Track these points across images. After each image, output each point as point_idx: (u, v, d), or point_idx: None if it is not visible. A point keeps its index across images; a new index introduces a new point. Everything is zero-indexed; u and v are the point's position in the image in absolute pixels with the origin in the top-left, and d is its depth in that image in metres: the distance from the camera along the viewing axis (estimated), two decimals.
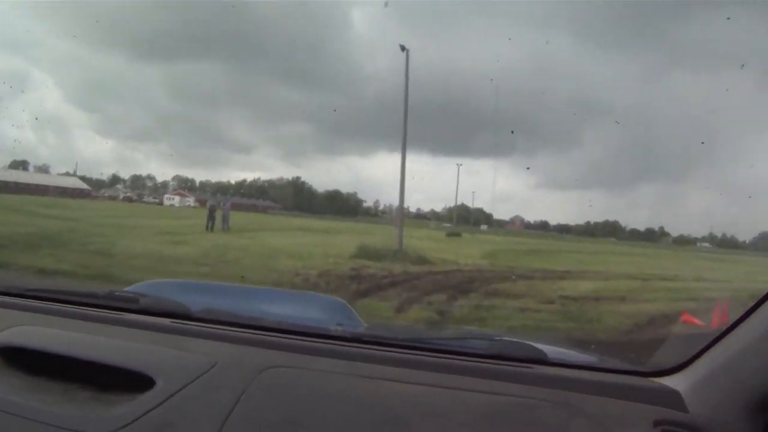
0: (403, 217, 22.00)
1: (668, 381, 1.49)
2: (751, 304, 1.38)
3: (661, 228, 54.61)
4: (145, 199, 59.10)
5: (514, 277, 14.94)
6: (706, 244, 50.15)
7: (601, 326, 9.14)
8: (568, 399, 1.38)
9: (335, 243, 19.93)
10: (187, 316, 1.81)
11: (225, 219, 23.93)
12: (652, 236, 54.23)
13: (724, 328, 1.42)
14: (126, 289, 2.25)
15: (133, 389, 1.34)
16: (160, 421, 1.24)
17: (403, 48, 20.86)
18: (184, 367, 1.45)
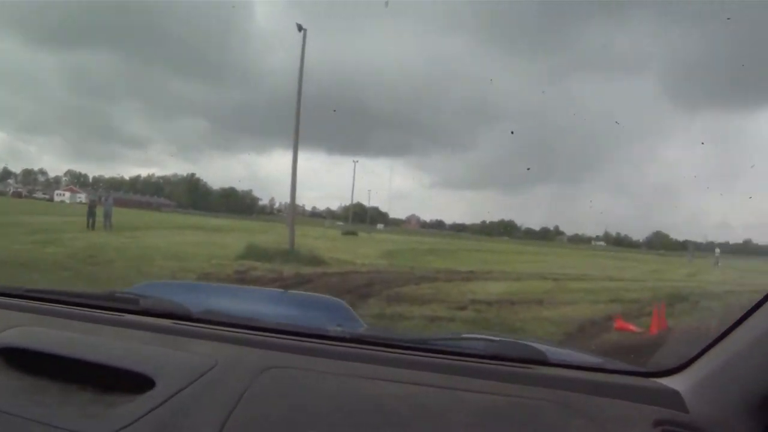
0: (294, 216, 22.27)
1: (669, 381, 1.49)
2: (751, 305, 1.37)
3: (556, 227, 55.39)
4: (36, 195, 59.09)
5: (416, 278, 14.46)
6: (601, 243, 50.33)
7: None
8: (568, 399, 1.37)
9: (224, 242, 19.68)
10: (187, 317, 1.83)
11: (107, 216, 23.24)
12: (548, 235, 57.59)
13: (725, 328, 1.41)
14: (126, 289, 2.29)
15: (133, 390, 1.35)
16: (160, 422, 1.24)
17: (300, 28, 20.72)
18: (184, 367, 1.45)
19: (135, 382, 1.40)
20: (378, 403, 1.36)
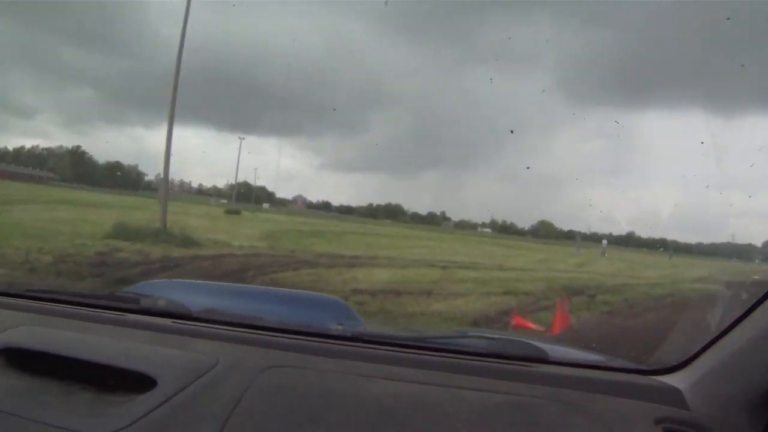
0: (168, 193, 21.09)
1: (670, 379, 1.53)
2: (751, 303, 1.40)
3: (443, 212, 58.00)
4: None
5: (296, 263, 13.69)
6: (488, 230, 55.14)
7: None
8: (569, 397, 1.42)
9: (98, 220, 18.05)
10: (187, 316, 1.89)
11: None
12: (434, 220, 57.17)
13: (725, 326, 1.45)
14: (126, 289, 2.44)
15: (134, 390, 1.39)
16: (161, 421, 1.27)
17: None
18: (185, 367, 1.49)
19: (136, 382, 1.41)
20: (379, 401, 1.38)
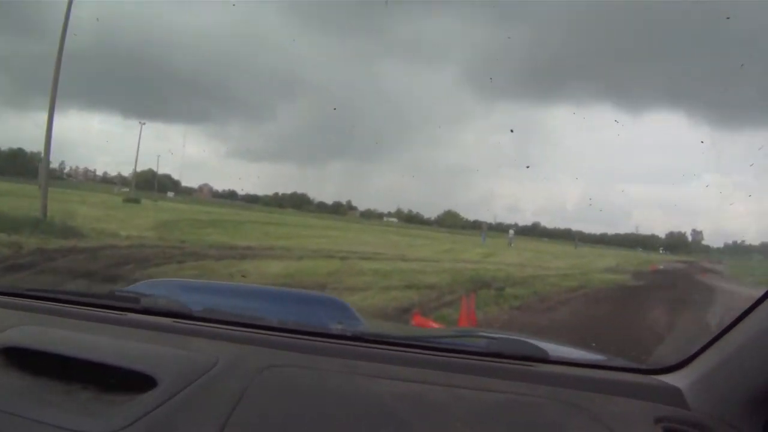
0: (48, 179, 19.16)
1: (669, 378, 1.54)
2: (751, 301, 1.42)
3: (349, 202, 56.40)
4: None
5: (183, 255, 13.00)
6: (394, 219, 54.65)
7: None
8: (569, 397, 1.41)
9: None
10: (188, 316, 1.88)
11: None
12: (340, 209, 55.59)
13: (725, 325, 1.47)
14: (127, 288, 2.37)
15: (134, 389, 1.38)
16: (161, 421, 1.27)
17: None
18: (186, 366, 1.48)
19: (137, 381, 1.40)
20: (379, 401, 1.37)
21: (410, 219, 53.80)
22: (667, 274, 25.69)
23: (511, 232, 38.14)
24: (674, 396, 1.43)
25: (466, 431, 1.28)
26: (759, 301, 1.37)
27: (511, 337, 1.91)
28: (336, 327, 1.83)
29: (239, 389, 1.37)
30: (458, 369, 1.55)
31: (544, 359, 1.64)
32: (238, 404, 1.31)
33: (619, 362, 1.72)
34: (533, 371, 1.55)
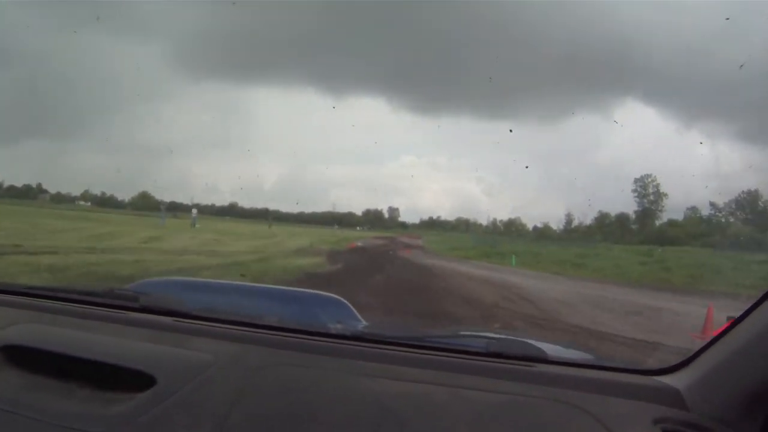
0: None
1: (669, 379, 1.54)
2: (750, 303, 1.43)
3: (39, 185, 54.44)
4: None
5: None
6: (86, 203, 53.08)
7: None
8: (568, 398, 1.41)
9: None
10: (187, 314, 1.88)
11: None
12: (30, 193, 53.66)
13: (723, 328, 1.50)
14: (125, 287, 2.35)
15: (133, 387, 1.40)
16: (160, 419, 1.28)
17: None
18: (184, 365, 1.50)
19: (135, 380, 1.41)
20: (378, 401, 1.38)
21: (103, 202, 52.38)
22: (368, 253, 26.45)
23: (194, 211, 36.95)
24: (673, 397, 1.43)
25: (466, 431, 1.28)
26: (758, 303, 1.37)
27: (511, 337, 1.95)
28: (335, 326, 1.85)
29: (237, 388, 1.38)
30: (458, 369, 1.55)
31: (544, 359, 1.64)
32: (236, 403, 1.31)
33: (618, 363, 1.75)
34: (533, 371, 1.55)
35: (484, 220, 57.85)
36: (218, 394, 1.36)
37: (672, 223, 43.48)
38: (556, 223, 50.14)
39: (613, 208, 46.73)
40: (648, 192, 46.16)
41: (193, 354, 1.56)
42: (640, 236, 42.61)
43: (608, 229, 45.85)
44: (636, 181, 45.46)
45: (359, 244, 33.90)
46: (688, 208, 43.67)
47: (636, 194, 46.21)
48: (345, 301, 2.39)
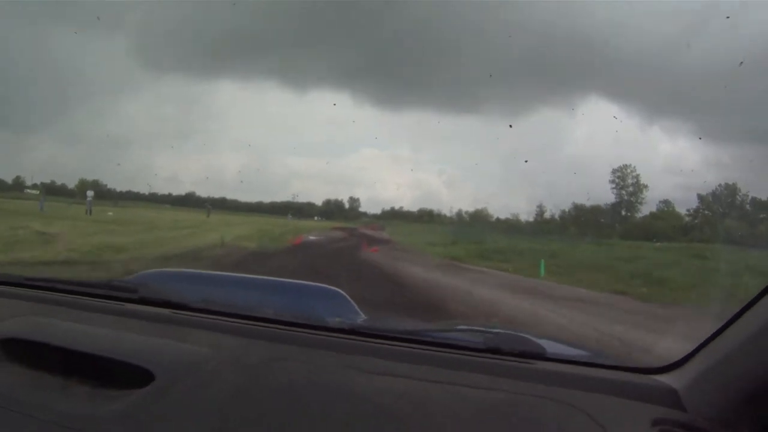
0: None
1: (666, 378, 1.52)
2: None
3: None
4: None
5: None
6: (34, 191, 50.28)
7: None
8: (565, 396, 1.39)
9: None
10: (186, 307, 1.88)
11: None
12: None
13: (721, 325, 1.44)
14: (124, 278, 2.37)
15: (132, 381, 1.39)
16: (160, 414, 1.28)
17: None
18: (184, 359, 1.50)
19: (135, 374, 1.41)
20: (376, 396, 1.38)
21: (53, 191, 49.76)
22: (316, 252, 20.52)
23: (90, 195, 32.33)
24: (670, 397, 1.42)
25: (463, 429, 1.28)
26: (754, 301, 1.35)
27: (509, 332, 1.90)
28: (334, 320, 1.83)
29: (237, 382, 1.38)
30: (456, 365, 1.54)
31: (542, 356, 1.64)
32: (235, 398, 1.31)
33: (617, 360, 1.74)
34: (530, 368, 1.55)
35: (447, 211, 56.04)
36: (217, 390, 1.35)
37: (655, 216, 41.59)
38: (525, 215, 48.40)
39: (574, 202, 44.76)
40: (627, 183, 45.09)
41: (191, 348, 1.55)
42: (620, 230, 41.43)
43: (584, 221, 43.85)
44: (614, 171, 44.49)
45: (310, 237, 28.72)
46: (660, 202, 43.92)
47: (614, 185, 45.23)
48: (344, 294, 2.36)
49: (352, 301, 2.28)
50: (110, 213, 30.50)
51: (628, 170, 44.06)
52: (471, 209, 52.84)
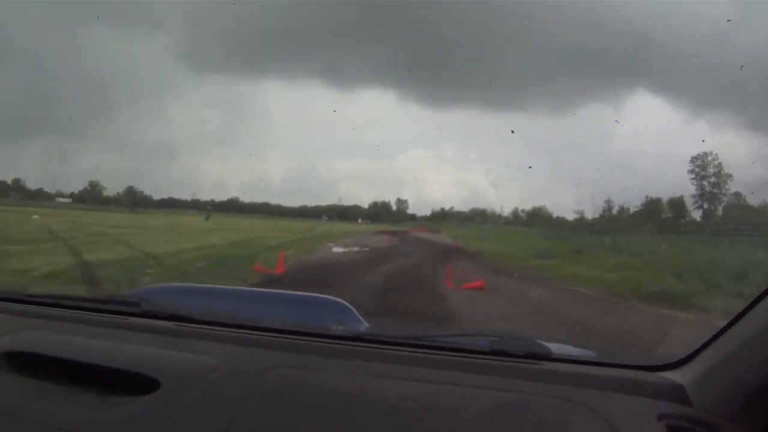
0: None
1: (672, 375, 1.52)
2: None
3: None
4: None
5: None
6: (66, 200, 51.71)
7: None
8: (573, 395, 1.39)
9: None
10: (189, 319, 1.86)
11: None
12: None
13: (727, 322, 1.44)
14: (128, 293, 2.44)
15: (137, 392, 1.38)
16: (164, 423, 1.27)
17: None
18: (188, 369, 1.48)
19: (139, 385, 1.40)
20: (384, 401, 1.36)
21: (83, 199, 49.93)
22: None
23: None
24: (677, 393, 1.42)
25: (472, 430, 1.27)
26: (759, 298, 1.35)
27: (513, 335, 1.89)
28: (337, 328, 1.82)
29: (241, 391, 1.37)
30: (462, 368, 1.52)
31: (548, 357, 1.62)
32: (240, 406, 1.30)
33: (622, 359, 1.73)
34: (537, 369, 1.53)
35: (498, 211, 53.58)
36: (221, 397, 1.34)
37: (746, 209, 34.04)
38: (589, 213, 42.97)
39: (622, 200, 40.25)
40: (708, 173, 39.87)
41: (196, 357, 1.54)
42: (707, 224, 36.01)
43: (660, 216, 39.84)
44: (693, 160, 39.45)
45: (333, 249, 20.50)
46: (730, 194, 38.29)
47: (694, 175, 39.97)
48: (347, 304, 2.30)
49: (355, 311, 2.22)
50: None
51: (709, 158, 39.10)
52: (527, 207, 50.16)
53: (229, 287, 3.65)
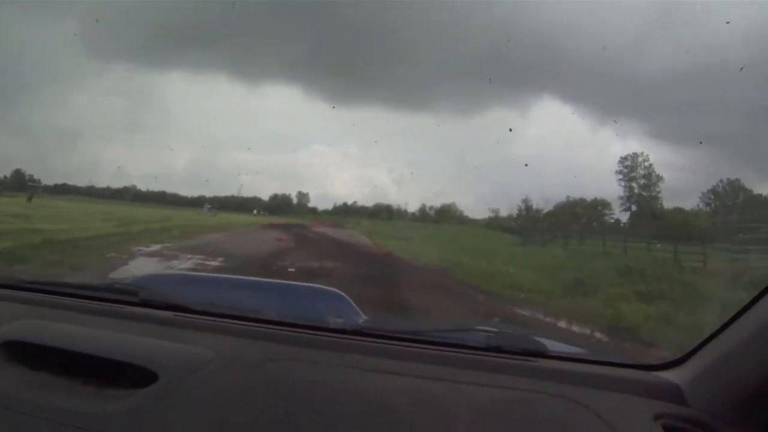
0: None
1: (668, 374, 1.52)
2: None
3: None
4: None
5: None
6: None
7: None
8: (568, 393, 1.39)
9: None
10: (187, 309, 1.85)
11: None
12: None
13: (723, 322, 1.44)
14: (125, 281, 2.42)
15: (134, 382, 1.39)
16: (163, 412, 1.27)
17: None
18: (185, 360, 1.49)
19: (137, 375, 1.40)
20: (378, 395, 1.37)
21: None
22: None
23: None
24: (673, 392, 1.42)
25: (467, 425, 1.28)
26: (756, 298, 1.35)
27: (510, 331, 1.89)
28: (335, 321, 1.82)
29: (238, 383, 1.38)
30: (458, 364, 1.53)
31: (544, 354, 1.62)
32: (237, 399, 1.31)
33: (619, 358, 1.73)
34: (533, 366, 1.53)
35: (401, 208, 51.34)
36: (219, 388, 1.35)
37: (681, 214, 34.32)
38: (508, 210, 43.70)
39: (568, 196, 39.44)
40: (638, 174, 39.36)
41: (194, 349, 1.54)
42: (637, 229, 34.06)
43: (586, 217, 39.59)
44: (621, 160, 39.17)
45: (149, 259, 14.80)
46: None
47: (622, 177, 39.42)
48: (345, 295, 2.33)
49: (353, 303, 2.25)
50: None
51: (640, 159, 38.64)
52: (437, 204, 48.89)
53: (229, 276, 3.60)
